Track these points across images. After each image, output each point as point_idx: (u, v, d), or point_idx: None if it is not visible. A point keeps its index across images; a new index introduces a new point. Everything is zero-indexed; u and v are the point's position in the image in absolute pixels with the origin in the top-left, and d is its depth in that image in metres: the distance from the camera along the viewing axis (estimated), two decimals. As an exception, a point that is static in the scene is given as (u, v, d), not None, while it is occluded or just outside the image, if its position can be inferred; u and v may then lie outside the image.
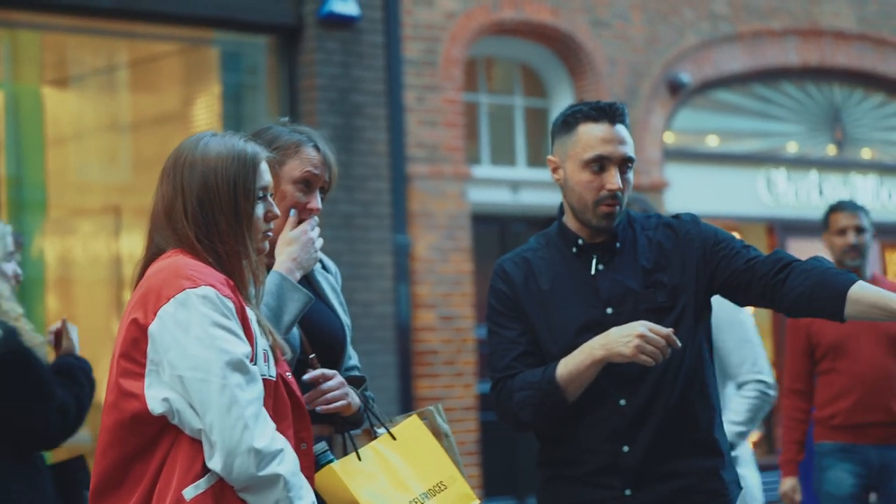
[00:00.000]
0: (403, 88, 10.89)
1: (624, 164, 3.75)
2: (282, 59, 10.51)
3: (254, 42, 10.69)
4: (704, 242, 3.78)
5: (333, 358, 3.65)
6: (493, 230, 11.70)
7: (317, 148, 3.61)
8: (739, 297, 3.79)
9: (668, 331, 3.55)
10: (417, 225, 10.88)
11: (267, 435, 2.90)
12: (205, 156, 3.08)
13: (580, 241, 3.80)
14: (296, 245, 3.54)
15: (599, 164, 3.74)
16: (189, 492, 2.88)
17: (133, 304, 2.99)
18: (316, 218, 3.62)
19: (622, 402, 3.70)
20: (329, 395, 3.48)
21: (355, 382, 3.64)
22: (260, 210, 3.11)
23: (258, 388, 2.94)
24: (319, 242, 3.58)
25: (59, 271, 10.80)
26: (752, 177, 13.42)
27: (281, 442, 2.94)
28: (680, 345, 3.58)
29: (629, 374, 3.68)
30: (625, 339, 3.55)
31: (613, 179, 3.72)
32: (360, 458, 3.45)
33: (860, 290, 3.57)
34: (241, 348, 2.93)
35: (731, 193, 13.17)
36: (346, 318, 3.75)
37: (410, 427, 3.62)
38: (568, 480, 3.78)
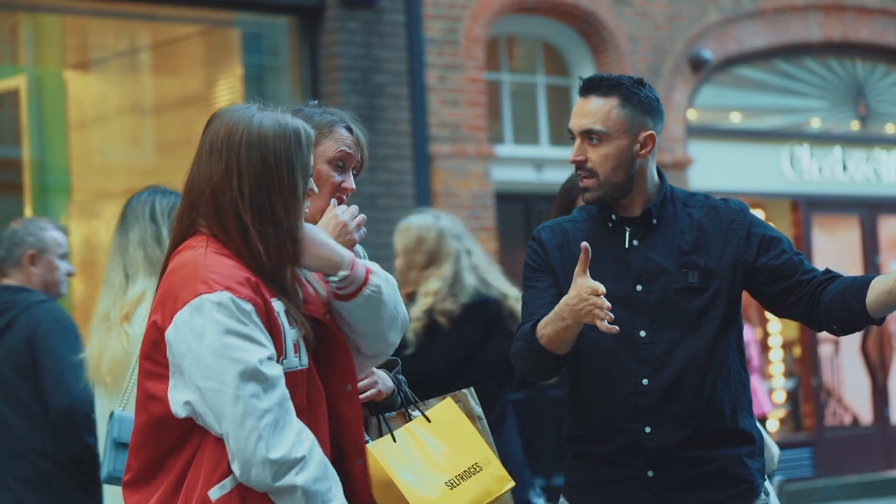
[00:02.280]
0: (425, 68, 10.89)
1: (586, 135, 3.72)
2: (303, 39, 10.54)
3: (275, 23, 10.71)
4: (751, 234, 3.73)
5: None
6: (517, 209, 11.69)
7: (349, 129, 3.57)
8: (779, 309, 3.77)
9: (597, 286, 3.46)
10: (441, 205, 10.85)
11: (285, 445, 2.83)
12: (262, 134, 2.98)
13: (613, 216, 3.78)
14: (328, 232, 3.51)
15: (571, 137, 3.77)
16: (214, 492, 2.84)
17: (155, 302, 2.95)
18: (343, 202, 3.60)
19: (645, 381, 3.68)
20: (359, 384, 3.40)
21: (387, 365, 3.58)
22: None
23: (277, 394, 2.86)
24: (356, 221, 3.55)
25: (83, 255, 10.80)
26: (776, 153, 13.40)
27: (303, 448, 2.86)
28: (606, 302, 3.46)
29: (652, 354, 3.67)
30: (579, 307, 3.47)
31: (573, 151, 3.74)
32: (395, 440, 3.41)
33: (878, 279, 3.56)
34: (257, 354, 2.85)
35: (755, 170, 13.15)
36: None
37: (445, 409, 3.58)
38: (592, 458, 3.78)
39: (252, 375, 2.83)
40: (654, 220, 3.75)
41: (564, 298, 3.54)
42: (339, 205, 3.48)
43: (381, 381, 3.50)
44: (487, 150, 11.25)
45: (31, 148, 10.23)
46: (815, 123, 13.83)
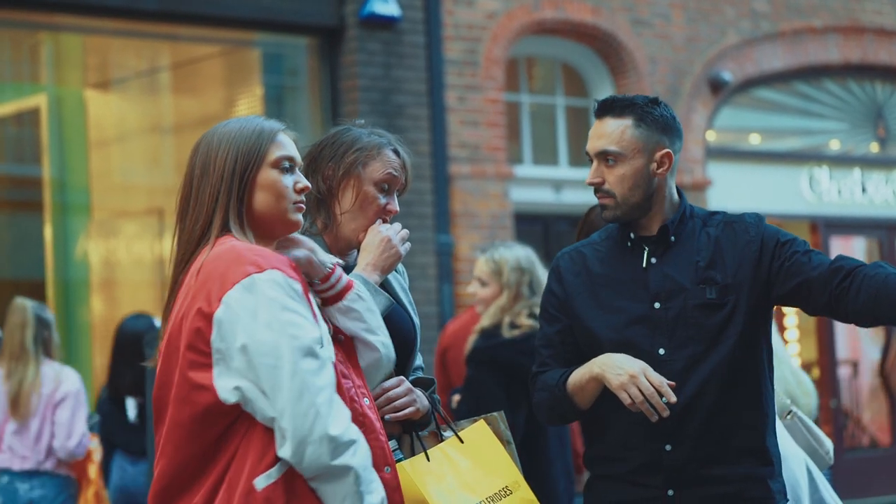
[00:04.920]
0: (445, 88, 10.92)
1: (602, 157, 3.76)
2: (323, 60, 10.58)
3: (295, 43, 10.75)
4: (764, 243, 3.73)
5: (403, 358, 3.61)
6: (536, 230, 11.68)
7: (396, 152, 3.64)
8: (803, 306, 3.73)
9: (665, 382, 3.53)
10: (460, 225, 10.89)
11: (341, 423, 2.84)
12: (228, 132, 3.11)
13: (632, 235, 3.80)
14: (371, 250, 3.55)
15: (589, 159, 3.81)
16: (260, 481, 2.83)
17: (192, 294, 2.93)
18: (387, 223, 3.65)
19: (664, 399, 3.61)
20: (397, 403, 3.48)
21: (423, 384, 3.63)
22: (289, 181, 3.06)
23: (330, 374, 2.89)
24: (399, 235, 3.60)
25: (103, 274, 10.86)
26: (795, 175, 13.38)
27: (355, 432, 2.88)
28: (675, 400, 3.53)
29: (672, 371, 3.65)
30: (619, 370, 3.57)
31: (590, 173, 3.78)
32: (428, 459, 3.46)
33: None
34: (312, 332, 2.88)
35: (774, 191, 13.14)
36: (416, 318, 3.75)
37: (477, 431, 3.62)
38: (612, 479, 3.77)
39: (308, 352, 2.85)
40: (672, 238, 3.77)
41: (611, 359, 3.62)
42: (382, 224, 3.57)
43: (419, 399, 3.54)
44: (507, 170, 11.26)
45: (52, 167, 10.27)
46: (835, 145, 13.81)
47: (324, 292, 3.17)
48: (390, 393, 3.48)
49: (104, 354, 10.56)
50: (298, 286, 2.91)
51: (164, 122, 11.30)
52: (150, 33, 10.43)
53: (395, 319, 3.59)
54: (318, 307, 3.08)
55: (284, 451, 2.83)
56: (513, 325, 6.06)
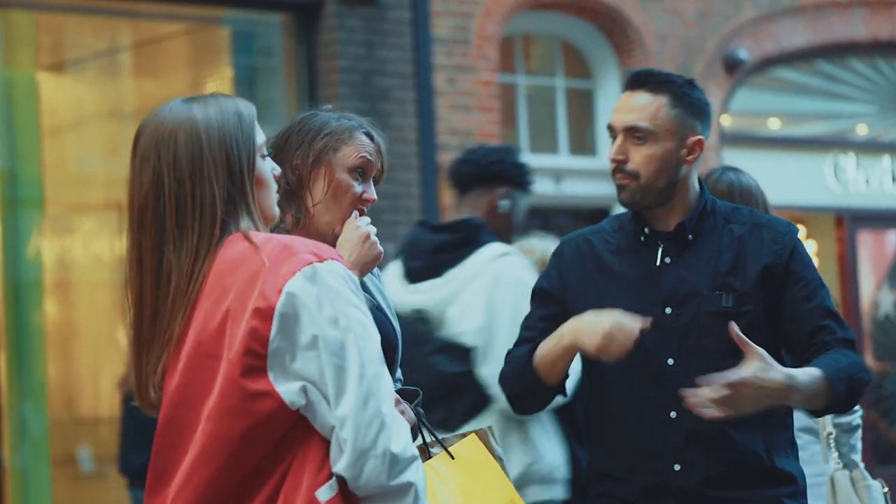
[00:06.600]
0: (433, 70, 10.83)
1: (630, 133, 3.73)
2: (299, 38, 10.49)
3: (268, 20, 10.67)
4: (788, 269, 3.72)
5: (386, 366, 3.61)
6: (534, 224, 11.61)
7: (369, 135, 3.64)
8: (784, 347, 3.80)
9: (643, 322, 3.53)
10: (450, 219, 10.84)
11: (403, 437, 2.77)
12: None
13: (646, 229, 3.76)
14: (348, 246, 3.54)
15: (612, 134, 3.79)
16: (323, 493, 2.75)
17: (219, 297, 2.81)
18: (364, 213, 3.65)
19: (672, 414, 3.65)
20: None
21: (408, 396, 3.61)
22: (269, 168, 2.99)
23: (391, 381, 2.83)
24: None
25: (57, 273, 10.83)
26: (819, 163, 13.41)
27: (415, 449, 2.81)
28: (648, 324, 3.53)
29: (681, 384, 3.58)
30: (592, 329, 3.56)
31: (614, 149, 3.76)
32: None
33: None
34: (376, 332, 2.83)
35: (795, 181, 13.14)
36: (396, 324, 3.75)
37: (469, 446, 3.62)
38: (615, 499, 3.76)
39: (375, 353, 2.80)
40: (690, 236, 3.74)
41: (580, 322, 3.63)
42: (360, 216, 3.58)
43: (407, 412, 3.51)
44: (501, 159, 11.19)
45: (1, 157, 10.21)
46: (862, 130, 13.85)
47: None
48: None
49: (58, 362, 10.57)
50: (357, 279, 2.86)
51: (124, 108, 11.22)
52: (109, 10, 10.32)
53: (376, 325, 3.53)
54: None
55: (340, 464, 2.74)
56: None
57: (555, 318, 3.78)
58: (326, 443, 2.78)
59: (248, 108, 2.98)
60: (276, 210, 3.01)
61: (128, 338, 2.93)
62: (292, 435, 2.79)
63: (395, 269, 5.71)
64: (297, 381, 2.76)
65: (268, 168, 2.97)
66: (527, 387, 3.79)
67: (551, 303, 3.83)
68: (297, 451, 2.79)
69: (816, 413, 3.77)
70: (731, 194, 4.65)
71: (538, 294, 3.89)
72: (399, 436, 2.76)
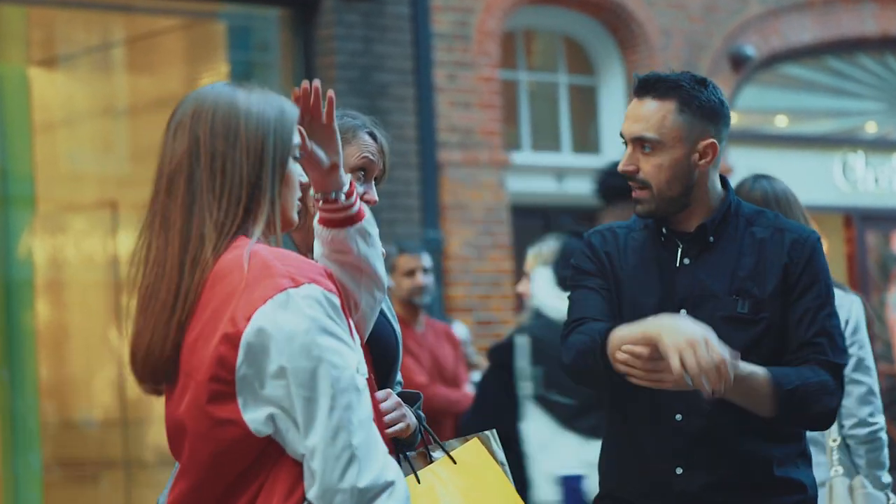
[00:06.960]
0: (433, 65, 10.87)
1: (638, 143, 3.71)
2: (296, 33, 10.52)
3: (265, 15, 10.70)
4: (800, 278, 3.70)
5: (386, 370, 3.64)
6: (536, 224, 11.63)
7: (372, 135, 3.63)
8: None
9: (727, 359, 3.39)
10: (450, 219, 10.87)
11: (375, 467, 2.73)
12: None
13: (664, 230, 3.77)
14: None
15: (624, 142, 3.77)
16: None
17: (210, 310, 2.79)
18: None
19: (678, 417, 3.65)
20: (387, 418, 3.46)
21: (408, 399, 3.62)
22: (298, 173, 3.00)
23: (368, 406, 2.78)
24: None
25: (49, 273, 10.83)
26: (827, 161, 13.44)
27: (392, 472, 2.75)
28: (711, 390, 3.41)
29: (690, 386, 3.51)
30: (678, 333, 3.42)
31: (624, 159, 3.75)
32: (419, 481, 3.47)
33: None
34: (352, 358, 2.76)
35: (803, 180, 13.03)
36: (396, 326, 3.74)
37: (471, 451, 3.62)
38: (616, 501, 3.77)
39: (349, 383, 2.74)
40: (711, 238, 3.73)
41: (674, 320, 3.50)
42: None
43: (408, 415, 3.53)
44: (502, 157, 11.27)
45: (-8, 154, 10.22)
46: (871, 128, 13.88)
47: (345, 209, 3.27)
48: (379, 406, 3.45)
49: (50, 363, 10.57)
50: (337, 300, 2.79)
51: (117, 104, 11.27)
52: (102, 4, 10.42)
53: (375, 327, 3.54)
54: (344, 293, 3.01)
55: (312, 493, 2.73)
56: None
57: (608, 289, 3.77)
58: (298, 466, 2.77)
59: (292, 107, 2.94)
60: (296, 216, 2.96)
61: (137, 302, 2.86)
62: (261, 460, 2.78)
63: (547, 275, 5.80)
64: (266, 408, 2.74)
65: (297, 171, 2.94)
66: (592, 364, 3.63)
67: (602, 274, 3.79)
68: (268, 474, 2.79)
69: (771, 422, 3.69)
70: (766, 203, 4.60)
71: (583, 272, 3.82)
72: (370, 466, 2.72)
